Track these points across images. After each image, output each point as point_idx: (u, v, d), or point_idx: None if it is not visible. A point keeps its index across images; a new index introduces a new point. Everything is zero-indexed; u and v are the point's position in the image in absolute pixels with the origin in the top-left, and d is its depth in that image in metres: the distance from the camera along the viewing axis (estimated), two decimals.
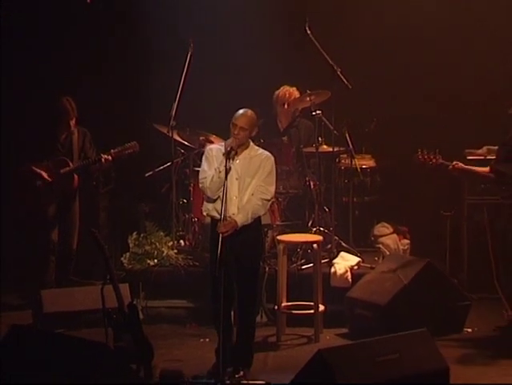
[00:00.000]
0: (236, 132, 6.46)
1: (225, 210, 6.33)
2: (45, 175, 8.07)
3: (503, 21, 8.88)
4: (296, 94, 8.63)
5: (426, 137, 8.95)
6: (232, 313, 6.81)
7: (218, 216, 6.36)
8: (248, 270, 6.56)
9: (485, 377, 6.49)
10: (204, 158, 6.63)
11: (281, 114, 8.73)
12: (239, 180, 6.48)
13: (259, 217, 6.58)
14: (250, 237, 6.53)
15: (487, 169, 7.47)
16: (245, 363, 6.55)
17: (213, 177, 6.43)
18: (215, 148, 6.61)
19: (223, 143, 6.61)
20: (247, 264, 6.54)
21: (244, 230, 6.46)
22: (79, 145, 8.19)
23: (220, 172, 6.38)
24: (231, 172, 6.39)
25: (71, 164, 8.10)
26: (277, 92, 8.68)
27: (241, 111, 6.51)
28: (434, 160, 7.42)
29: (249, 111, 6.53)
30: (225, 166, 6.34)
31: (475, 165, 7.71)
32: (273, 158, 6.62)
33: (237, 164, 6.48)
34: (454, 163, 7.45)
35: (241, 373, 6.44)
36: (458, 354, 6.93)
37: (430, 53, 9.07)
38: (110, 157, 8.02)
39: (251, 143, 6.63)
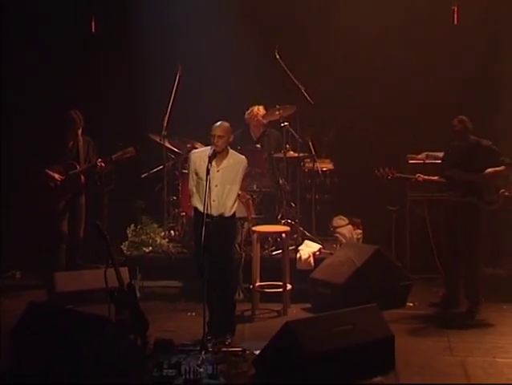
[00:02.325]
0: (215, 141, 6.48)
1: (207, 208, 6.34)
2: (56, 176, 8.05)
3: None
4: (263, 110, 8.65)
5: (376, 145, 9.02)
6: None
7: (201, 208, 6.38)
8: (224, 255, 6.58)
9: (423, 343, 6.58)
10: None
11: (253, 127, 8.74)
12: (218, 187, 6.49)
13: (235, 212, 6.63)
14: (227, 228, 6.57)
15: (436, 178, 7.47)
16: (230, 330, 6.62)
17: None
18: (194, 156, 6.66)
19: (207, 148, 6.64)
20: (224, 250, 6.56)
21: (223, 222, 6.50)
22: (84, 152, 8.16)
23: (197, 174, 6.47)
24: (212, 180, 6.39)
25: (78, 166, 8.09)
26: (247, 113, 8.67)
27: (217, 124, 6.55)
28: (391, 175, 7.49)
29: (224, 122, 6.56)
30: (207, 167, 6.36)
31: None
32: (246, 161, 6.67)
33: (217, 173, 6.49)
34: (417, 176, 7.48)
35: (228, 338, 6.49)
36: (402, 324, 6.97)
37: (376, 72, 9.07)
38: (103, 164, 7.99)
39: (230, 151, 6.65)
